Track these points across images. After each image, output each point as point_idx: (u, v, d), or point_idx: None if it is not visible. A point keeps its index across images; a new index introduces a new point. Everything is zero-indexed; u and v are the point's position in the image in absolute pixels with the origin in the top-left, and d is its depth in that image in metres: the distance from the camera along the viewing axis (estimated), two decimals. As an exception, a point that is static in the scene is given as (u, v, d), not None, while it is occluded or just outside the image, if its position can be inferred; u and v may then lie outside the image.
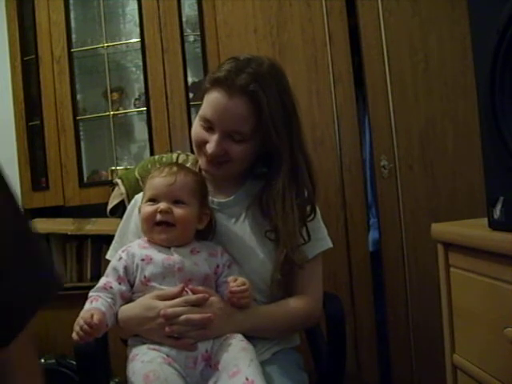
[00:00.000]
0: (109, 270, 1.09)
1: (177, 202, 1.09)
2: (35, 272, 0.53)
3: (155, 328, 1.01)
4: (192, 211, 1.10)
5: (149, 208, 1.09)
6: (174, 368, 0.97)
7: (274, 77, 1.10)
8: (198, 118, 1.14)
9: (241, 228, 1.17)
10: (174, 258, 1.07)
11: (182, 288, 1.03)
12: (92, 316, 0.95)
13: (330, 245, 1.22)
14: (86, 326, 0.93)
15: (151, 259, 1.06)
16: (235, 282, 1.04)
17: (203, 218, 1.13)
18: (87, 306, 1.01)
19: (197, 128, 1.13)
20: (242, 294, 1.04)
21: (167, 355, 0.99)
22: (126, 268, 1.07)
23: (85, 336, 0.94)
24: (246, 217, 1.17)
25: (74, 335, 0.95)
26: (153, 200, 1.10)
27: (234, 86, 1.06)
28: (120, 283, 1.06)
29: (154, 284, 1.05)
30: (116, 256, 1.11)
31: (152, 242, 1.10)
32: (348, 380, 1.23)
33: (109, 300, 1.03)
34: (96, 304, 1.00)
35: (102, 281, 1.06)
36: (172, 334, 1.00)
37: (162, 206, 1.08)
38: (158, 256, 1.07)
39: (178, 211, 1.08)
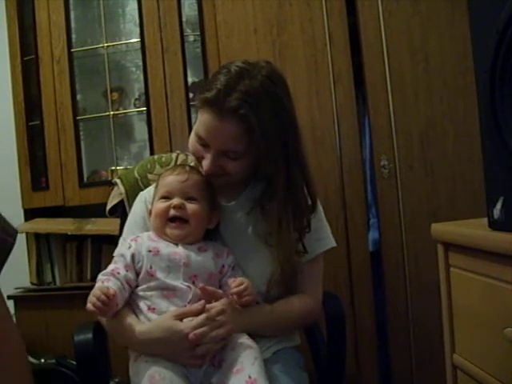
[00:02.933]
0: (117, 256, 1.10)
1: (189, 198, 1.10)
2: None
3: (183, 350, 0.99)
4: (204, 208, 1.11)
5: (162, 204, 1.10)
6: (178, 368, 0.97)
7: (268, 91, 1.05)
8: (193, 133, 1.13)
9: (242, 232, 1.17)
10: (181, 252, 1.07)
11: (203, 306, 1.01)
12: (108, 288, 0.97)
13: (333, 244, 1.22)
14: (103, 296, 0.95)
15: (158, 251, 1.07)
16: (234, 283, 1.05)
17: (213, 217, 1.14)
18: (98, 285, 1.01)
19: (193, 142, 1.13)
20: (243, 292, 1.04)
21: None
22: (133, 256, 1.07)
23: (102, 307, 0.95)
24: (247, 221, 1.17)
25: (90, 306, 0.96)
26: (166, 197, 1.11)
27: (224, 109, 1.03)
28: (127, 270, 1.06)
29: (159, 277, 1.05)
30: (125, 244, 1.12)
31: (161, 236, 1.11)
32: (348, 380, 1.23)
33: (118, 283, 1.03)
34: (108, 283, 1.01)
35: (111, 267, 1.07)
36: (203, 353, 0.99)
37: (176, 201, 1.09)
38: (165, 250, 1.08)
39: (191, 207, 1.09)
